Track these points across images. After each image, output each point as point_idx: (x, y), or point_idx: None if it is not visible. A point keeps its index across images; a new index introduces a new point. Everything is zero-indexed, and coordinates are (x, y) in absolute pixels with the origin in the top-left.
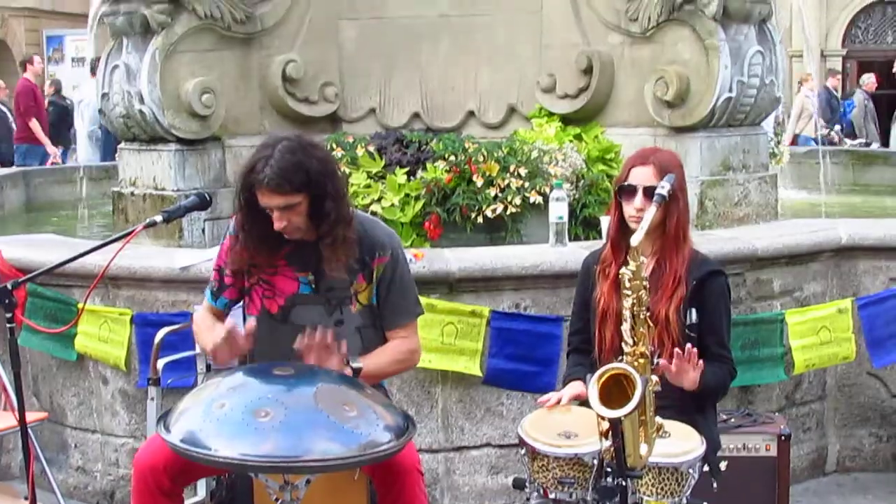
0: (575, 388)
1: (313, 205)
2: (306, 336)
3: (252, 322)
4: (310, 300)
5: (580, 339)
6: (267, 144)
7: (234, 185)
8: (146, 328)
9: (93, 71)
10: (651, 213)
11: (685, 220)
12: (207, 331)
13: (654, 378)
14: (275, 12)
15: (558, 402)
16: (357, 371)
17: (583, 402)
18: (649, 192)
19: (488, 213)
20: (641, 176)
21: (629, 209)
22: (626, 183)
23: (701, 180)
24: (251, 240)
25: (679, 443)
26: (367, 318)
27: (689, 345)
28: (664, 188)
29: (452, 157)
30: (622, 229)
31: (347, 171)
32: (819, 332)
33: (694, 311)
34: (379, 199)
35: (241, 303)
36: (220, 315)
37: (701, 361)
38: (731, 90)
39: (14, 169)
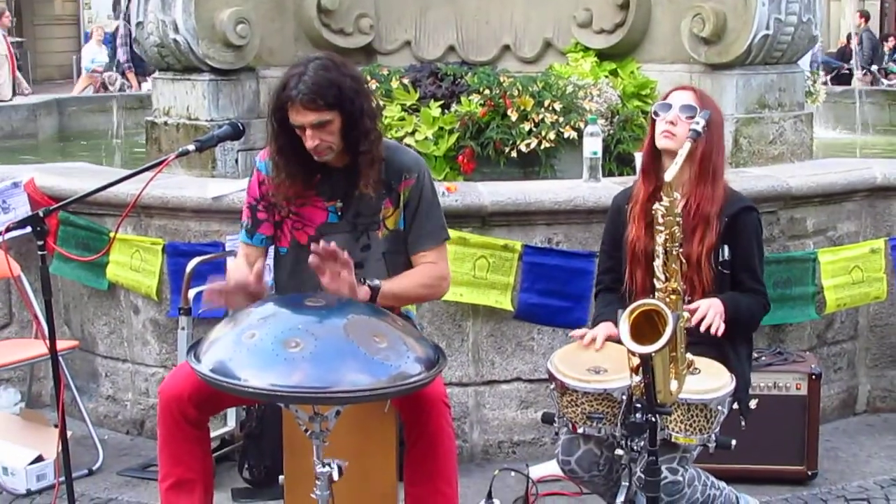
0: (608, 328)
1: (346, 123)
2: (314, 249)
3: (259, 265)
4: (337, 228)
5: (610, 279)
6: (299, 63)
7: (267, 107)
8: (178, 258)
9: None
10: (686, 148)
11: (718, 160)
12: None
13: (686, 314)
14: None
15: (592, 340)
16: (375, 290)
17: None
18: (685, 110)
19: (522, 147)
20: (679, 97)
21: (661, 125)
22: (663, 102)
23: (736, 118)
24: (285, 164)
25: (709, 380)
26: (393, 243)
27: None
28: (699, 124)
29: (487, 91)
30: (652, 156)
31: (382, 103)
32: (851, 272)
33: (726, 247)
34: (413, 132)
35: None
36: (259, 255)
37: (718, 305)
38: (768, 27)
39: (48, 97)
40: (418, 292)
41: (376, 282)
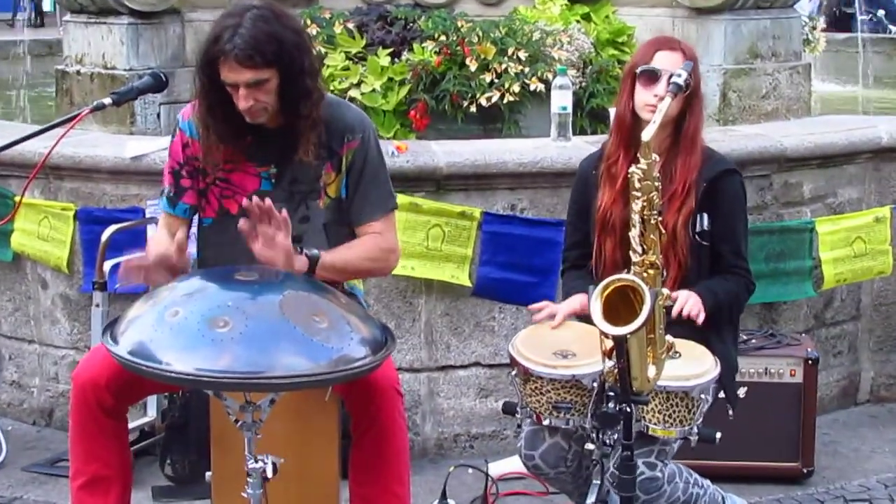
0: (574, 302)
1: (284, 82)
2: (245, 204)
3: (181, 234)
4: (272, 197)
5: (577, 255)
6: (233, 13)
7: (195, 61)
8: (92, 225)
9: None
10: (666, 104)
11: (702, 120)
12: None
13: (665, 291)
14: None
15: (552, 317)
16: (314, 259)
17: (583, 316)
18: (674, 87)
19: (482, 101)
20: (669, 61)
21: (646, 96)
22: (650, 66)
23: (724, 69)
24: (214, 125)
25: (691, 364)
26: (335, 213)
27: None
28: (681, 76)
29: (443, 38)
30: (633, 119)
31: (323, 50)
32: (853, 244)
33: (706, 216)
34: (358, 84)
35: (197, 212)
36: (183, 226)
37: (696, 297)
38: None
39: None
40: (362, 266)
41: (315, 251)
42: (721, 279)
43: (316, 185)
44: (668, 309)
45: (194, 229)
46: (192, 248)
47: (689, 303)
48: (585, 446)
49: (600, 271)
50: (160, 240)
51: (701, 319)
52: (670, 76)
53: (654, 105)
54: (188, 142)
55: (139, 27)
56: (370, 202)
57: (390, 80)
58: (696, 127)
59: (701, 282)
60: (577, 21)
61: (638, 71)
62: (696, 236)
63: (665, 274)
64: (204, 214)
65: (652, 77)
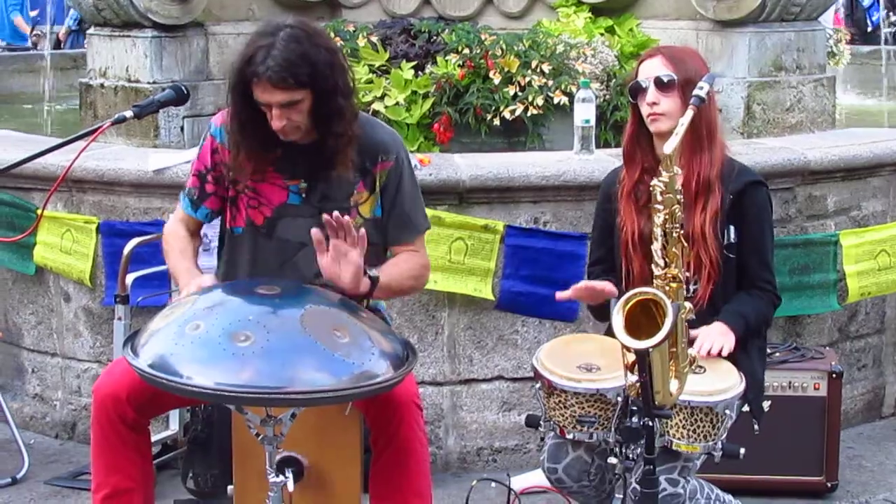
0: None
1: (317, 102)
2: (326, 219)
3: (209, 278)
4: (299, 212)
5: (602, 269)
6: (266, 32)
7: (227, 79)
8: (114, 238)
9: None
10: (688, 117)
11: (712, 119)
12: (180, 255)
13: (688, 305)
14: None
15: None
16: (375, 281)
17: (607, 331)
18: (660, 83)
19: (506, 114)
20: (649, 69)
21: (643, 108)
22: (635, 81)
23: (749, 82)
24: (245, 142)
25: (715, 379)
26: (368, 232)
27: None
28: (702, 89)
29: (466, 51)
30: (636, 139)
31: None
32: (877, 257)
33: (732, 228)
34: (382, 97)
35: (219, 216)
36: (197, 227)
37: (718, 329)
38: None
39: None
40: (406, 284)
41: (374, 272)
42: (748, 298)
43: (346, 203)
44: (691, 323)
45: (214, 243)
46: (210, 262)
47: (708, 340)
48: (609, 460)
49: (632, 287)
50: (178, 233)
51: (727, 351)
52: (656, 79)
53: (653, 113)
54: (218, 147)
55: (163, 40)
56: (406, 224)
57: (414, 93)
58: (710, 127)
59: (728, 303)
60: (601, 34)
61: (627, 89)
62: (724, 250)
63: (697, 280)
64: (234, 224)
65: (639, 89)
